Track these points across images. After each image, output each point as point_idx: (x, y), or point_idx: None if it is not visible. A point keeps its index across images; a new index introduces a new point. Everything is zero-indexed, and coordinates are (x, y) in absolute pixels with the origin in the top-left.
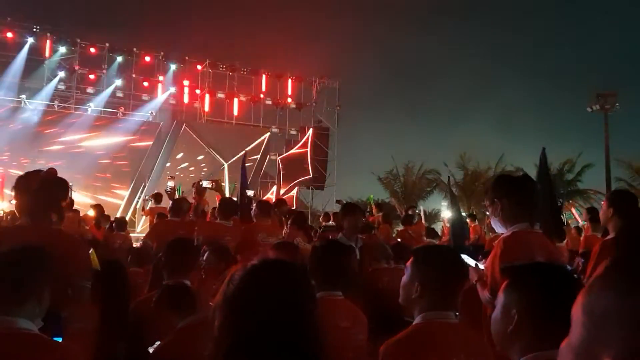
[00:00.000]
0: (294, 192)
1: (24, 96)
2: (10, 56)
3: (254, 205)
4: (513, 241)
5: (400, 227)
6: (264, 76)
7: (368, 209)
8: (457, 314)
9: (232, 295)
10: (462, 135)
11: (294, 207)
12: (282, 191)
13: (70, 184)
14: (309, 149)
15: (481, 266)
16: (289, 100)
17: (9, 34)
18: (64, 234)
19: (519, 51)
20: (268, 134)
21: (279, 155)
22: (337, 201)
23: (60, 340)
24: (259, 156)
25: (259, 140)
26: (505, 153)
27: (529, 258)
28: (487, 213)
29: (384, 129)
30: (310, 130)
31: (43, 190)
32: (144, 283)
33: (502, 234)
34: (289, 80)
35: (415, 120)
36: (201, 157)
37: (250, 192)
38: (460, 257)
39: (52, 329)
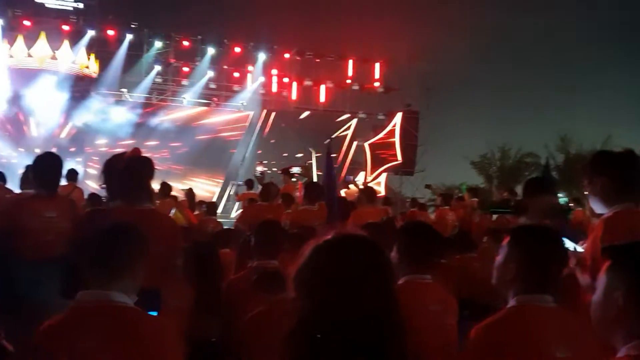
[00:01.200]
0: (383, 178)
1: (125, 90)
2: (112, 52)
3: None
4: (615, 221)
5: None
6: (350, 61)
7: (459, 195)
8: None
9: (301, 270)
10: (564, 117)
11: (383, 194)
12: (369, 178)
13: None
14: (397, 134)
15: (580, 249)
16: (377, 84)
17: (110, 32)
18: (157, 213)
19: (623, 29)
20: (355, 119)
21: (367, 141)
22: (427, 186)
23: (155, 314)
24: (346, 142)
25: (346, 126)
26: (612, 135)
27: (633, 240)
28: (586, 193)
29: (477, 112)
30: (399, 115)
31: (130, 169)
32: (232, 263)
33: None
34: (377, 64)
35: (510, 101)
36: (290, 144)
37: (349, 178)
38: (561, 238)
39: (147, 304)
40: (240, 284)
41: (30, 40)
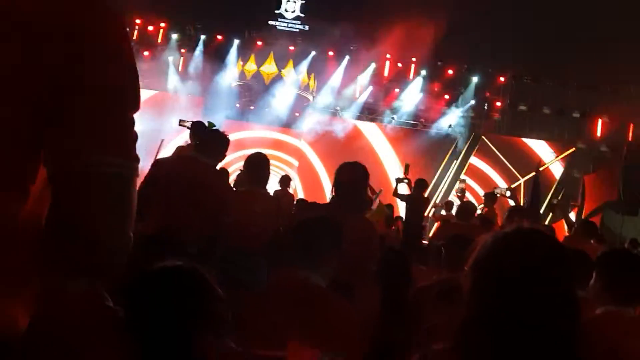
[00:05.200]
0: (599, 216)
1: (339, 108)
2: (330, 72)
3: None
4: None
5: None
6: (573, 87)
7: None
8: None
9: (480, 259)
10: None
11: (600, 234)
12: (584, 215)
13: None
14: (622, 168)
15: None
16: (601, 113)
17: (330, 53)
18: (367, 221)
19: None
20: (572, 149)
21: (585, 174)
22: None
23: None
24: (560, 173)
25: (562, 156)
26: None
27: None
28: None
29: None
30: (625, 147)
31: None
32: (423, 280)
33: None
34: (605, 90)
35: None
36: (497, 169)
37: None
38: None
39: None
40: (425, 294)
41: (260, 59)
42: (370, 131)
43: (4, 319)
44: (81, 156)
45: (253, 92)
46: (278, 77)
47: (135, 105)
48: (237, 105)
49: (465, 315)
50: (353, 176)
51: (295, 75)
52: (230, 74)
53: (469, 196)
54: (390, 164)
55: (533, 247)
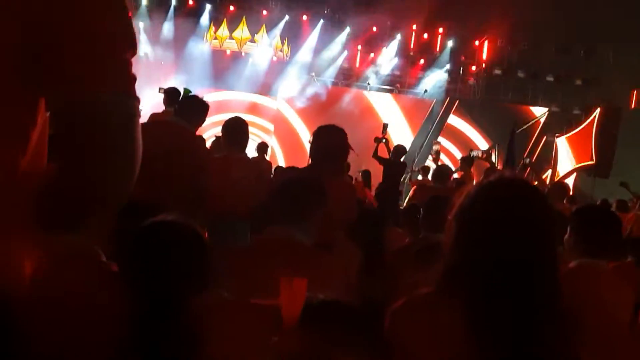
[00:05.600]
0: (572, 178)
1: (313, 73)
2: (304, 37)
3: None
4: None
5: None
6: (547, 50)
7: None
8: None
9: (465, 207)
10: None
11: (572, 195)
12: (556, 177)
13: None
14: (594, 131)
15: None
16: (575, 76)
17: (304, 17)
18: (347, 184)
19: None
20: (546, 112)
21: (558, 137)
22: (622, 184)
23: None
24: (534, 136)
25: (536, 119)
26: None
27: None
28: None
29: None
30: (598, 110)
31: (326, 143)
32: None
33: None
34: (579, 54)
35: None
36: (472, 134)
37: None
38: None
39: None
40: (403, 253)
41: (233, 24)
42: (348, 93)
43: (5, 271)
44: (78, 92)
45: (226, 58)
46: (251, 43)
47: (131, 46)
48: (211, 71)
49: (450, 261)
50: (330, 140)
51: (268, 40)
52: (203, 40)
53: (444, 159)
54: (370, 126)
55: (516, 190)
